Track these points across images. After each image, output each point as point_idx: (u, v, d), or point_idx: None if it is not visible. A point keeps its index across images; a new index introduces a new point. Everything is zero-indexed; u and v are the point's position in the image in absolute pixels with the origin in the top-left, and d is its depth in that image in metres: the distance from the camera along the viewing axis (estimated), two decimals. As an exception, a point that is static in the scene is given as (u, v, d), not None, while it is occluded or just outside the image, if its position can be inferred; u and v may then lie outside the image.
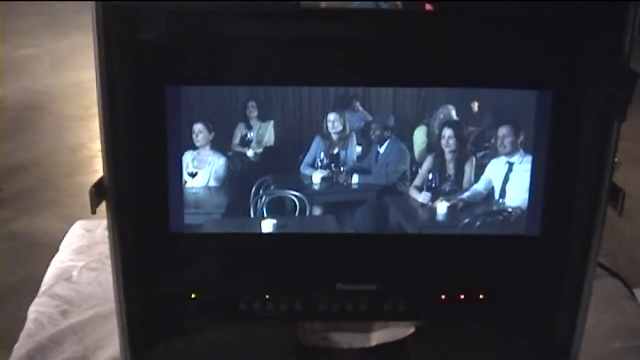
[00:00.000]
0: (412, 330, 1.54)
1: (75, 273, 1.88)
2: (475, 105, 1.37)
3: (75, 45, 6.08)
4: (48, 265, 1.95)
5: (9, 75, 5.38)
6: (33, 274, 2.05)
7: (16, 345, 1.66)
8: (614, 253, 3.28)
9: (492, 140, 1.39)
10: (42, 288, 1.85)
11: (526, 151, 1.40)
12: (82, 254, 1.96)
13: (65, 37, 6.41)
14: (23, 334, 1.69)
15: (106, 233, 1.83)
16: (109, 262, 1.70)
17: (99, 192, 1.34)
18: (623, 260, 3.34)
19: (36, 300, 1.80)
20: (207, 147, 1.39)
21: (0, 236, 3.46)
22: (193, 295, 1.48)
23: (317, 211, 1.43)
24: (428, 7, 1.33)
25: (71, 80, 5.36)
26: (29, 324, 1.72)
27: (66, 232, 2.10)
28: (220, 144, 1.39)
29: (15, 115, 4.79)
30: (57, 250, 2.03)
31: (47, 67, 5.77)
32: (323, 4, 1.37)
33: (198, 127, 1.38)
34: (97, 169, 3.98)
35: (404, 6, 1.42)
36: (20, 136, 4.51)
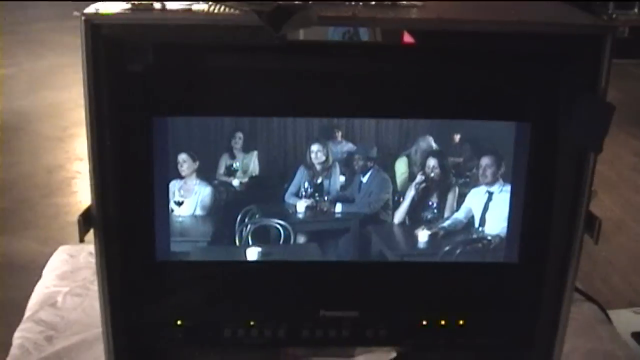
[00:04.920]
0: (393, 355, 1.57)
1: (59, 299, 1.90)
2: (456, 137, 1.40)
3: (52, 65, 6.08)
4: (26, 288, 1.96)
5: (-15, 96, 5.38)
6: (10, 297, 2.05)
7: (1, 375, 1.67)
8: (589, 276, 3.32)
9: (474, 170, 1.42)
10: (27, 313, 1.86)
11: (505, 181, 1.44)
12: (66, 280, 1.97)
13: (42, 57, 6.41)
14: (8, 360, 1.71)
15: (90, 259, 1.86)
16: (93, 287, 1.72)
17: (86, 220, 1.36)
18: (598, 284, 3.39)
19: (21, 326, 1.81)
20: (193, 177, 1.41)
21: (-23, 258, 3.45)
22: (179, 322, 1.50)
23: (301, 239, 1.45)
24: (407, 39, 1.36)
25: (48, 100, 5.36)
26: (14, 350, 1.74)
27: (45, 254, 2.11)
28: (206, 174, 1.41)
29: (-7, 135, 4.79)
30: (34, 272, 2.05)
31: (24, 87, 5.77)
32: (302, 36, 1.39)
33: (182, 157, 1.40)
34: (75, 191, 3.99)
35: (382, 38, 1.44)
36: (-3, 157, 4.50)
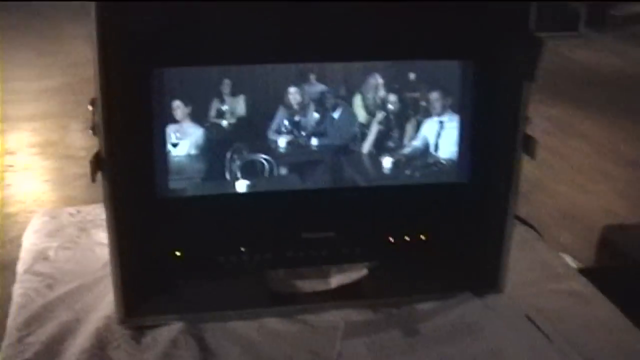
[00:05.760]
0: (365, 272, 1.80)
1: (51, 253, 2.04)
2: (411, 75, 1.64)
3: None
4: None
5: None
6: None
7: (9, 318, 1.80)
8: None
9: (426, 103, 1.67)
10: (22, 268, 1.98)
11: (454, 111, 1.68)
12: (53, 237, 2.11)
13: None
14: (13, 309, 1.83)
15: (71, 218, 2.04)
16: (81, 241, 1.90)
17: (96, 164, 1.56)
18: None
19: (19, 279, 1.94)
20: (188, 120, 1.62)
21: None
22: (177, 253, 1.70)
23: (283, 171, 1.67)
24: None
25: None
26: (17, 299, 1.86)
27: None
28: (198, 117, 1.62)
29: None
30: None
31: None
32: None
33: (176, 103, 1.61)
34: (9, 184, 3.97)
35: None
36: None
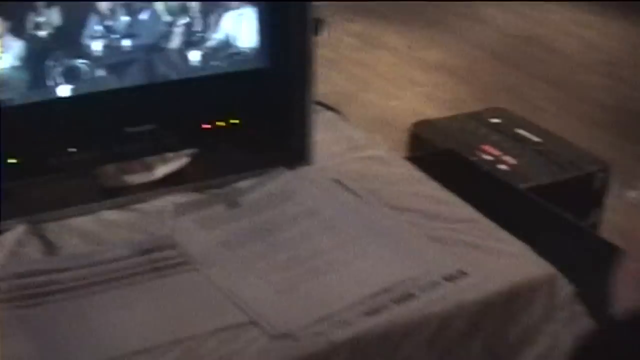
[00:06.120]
0: (186, 160, 1.99)
1: None
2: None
3: None
4: None
5: None
6: None
7: None
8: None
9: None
10: None
11: (251, 4, 1.89)
12: None
13: None
14: None
15: None
16: None
17: None
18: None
19: None
20: (8, 35, 1.75)
21: None
22: (13, 161, 1.84)
23: (101, 73, 1.83)
24: None
25: None
26: None
27: None
28: (17, 31, 1.76)
29: None
30: None
31: None
32: None
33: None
34: None
35: None
36: None
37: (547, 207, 2.79)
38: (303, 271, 1.68)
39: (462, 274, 1.69)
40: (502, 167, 3.56)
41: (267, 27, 1.91)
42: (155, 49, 1.84)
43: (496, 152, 3.69)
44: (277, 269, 1.69)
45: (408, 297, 1.63)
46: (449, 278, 1.67)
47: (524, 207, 3.29)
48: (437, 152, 3.71)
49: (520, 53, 5.92)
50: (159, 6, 1.81)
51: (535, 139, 3.78)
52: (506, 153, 3.66)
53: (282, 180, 1.97)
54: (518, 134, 3.84)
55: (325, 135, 2.16)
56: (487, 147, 3.70)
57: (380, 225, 1.83)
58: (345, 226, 1.82)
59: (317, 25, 1.90)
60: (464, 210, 1.94)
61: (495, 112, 4.19)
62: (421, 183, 2.03)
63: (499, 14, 6.62)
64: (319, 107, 2.25)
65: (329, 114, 2.35)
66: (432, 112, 4.79)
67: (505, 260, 1.76)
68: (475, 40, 6.08)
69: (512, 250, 1.80)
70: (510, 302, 1.69)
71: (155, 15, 1.83)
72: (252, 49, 1.91)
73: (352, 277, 1.67)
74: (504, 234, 1.85)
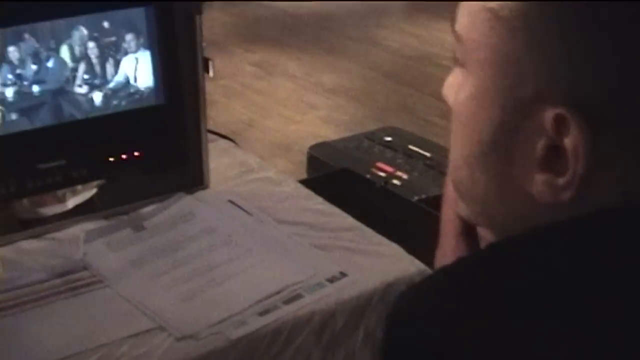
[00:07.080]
0: (94, 190, 2.21)
1: None
2: (105, 23, 2.06)
3: None
4: None
5: None
6: None
7: None
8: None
9: (124, 44, 2.09)
10: None
11: (146, 48, 2.12)
12: None
13: None
14: None
15: None
16: None
17: None
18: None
19: None
20: None
21: None
22: None
23: (14, 116, 2.04)
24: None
25: None
26: None
27: None
28: None
29: None
30: None
31: None
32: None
33: None
34: None
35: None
36: None
37: (437, 215, 3.07)
38: (204, 281, 1.92)
39: (343, 275, 1.94)
40: (396, 182, 3.86)
41: (161, 68, 2.14)
42: (61, 92, 2.05)
43: (389, 169, 4.00)
44: (181, 281, 1.92)
45: (296, 297, 1.88)
46: (331, 279, 1.93)
47: (414, 216, 3.60)
48: (333, 172, 3.99)
49: (414, 72, 6.27)
50: (64, 54, 2.03)
51: (427, 153, 4.10)
52: (399, 169, 3.98)
53: (182, 203, 2.21)
54: (410, 150, 4.15)
55: (220, 162, 2.41)
56: (381, 165, 4.01)
57: (271, 238, 2.08)
58: (240, 241, 2.06)
59: (207, 63, 2.14)
60: (347, 220, 2.20)
61: (389, 130, 4.50)
62: (308, 199, 2.28)
63: (393, 35, 6.97)
64: (213, 137, 2.50)
65: (223, 141, 2.59)
66: (330, 133, 5.06)
67: (381, 261, 2.02)
68: (371, 63, 6.41)
69: (388, 251, 2.07)
70: (386, 297, 1.95)
71: (60, 62, 2.04)
72: (149, 88, 2.14)
73: (246, 283, 1.91)
74: (381, 239, 2.11)
